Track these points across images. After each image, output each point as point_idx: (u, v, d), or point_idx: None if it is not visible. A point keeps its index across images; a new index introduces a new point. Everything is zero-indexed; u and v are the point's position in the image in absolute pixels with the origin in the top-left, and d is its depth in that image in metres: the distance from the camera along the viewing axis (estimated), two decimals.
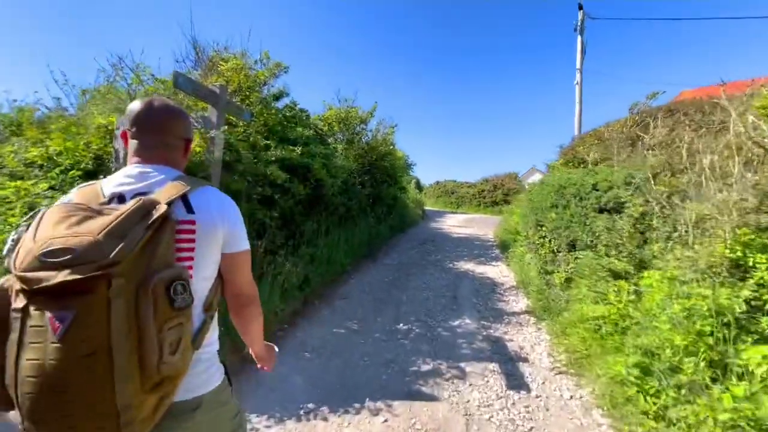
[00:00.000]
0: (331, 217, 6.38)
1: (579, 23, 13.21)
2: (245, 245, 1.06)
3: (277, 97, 6.54)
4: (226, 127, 3.97)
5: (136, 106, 1.03)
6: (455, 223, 17.11)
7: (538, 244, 5.36)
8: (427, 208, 23.07)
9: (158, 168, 0.98)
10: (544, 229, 5.27)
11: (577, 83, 13.16)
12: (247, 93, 5.23)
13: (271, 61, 6.20)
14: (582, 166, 7.93)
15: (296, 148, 5.21)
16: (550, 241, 5.00)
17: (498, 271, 7.15)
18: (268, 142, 5.02)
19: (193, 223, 0.91)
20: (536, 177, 31.88)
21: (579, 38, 13.17)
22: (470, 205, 27.46)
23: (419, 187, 27.22)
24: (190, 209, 0.92)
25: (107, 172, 3.40)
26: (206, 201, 0.96)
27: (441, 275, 6.73)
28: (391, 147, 10.27)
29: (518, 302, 5.29)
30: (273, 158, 4.88)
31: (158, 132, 1.02)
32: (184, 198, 0.92)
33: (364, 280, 6.15)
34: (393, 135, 10.44)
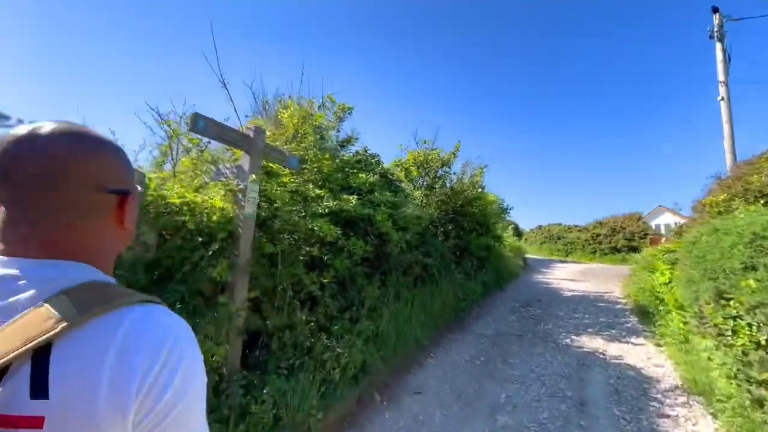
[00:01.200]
0: (403, 278, 5.18)
1: (716, 28, 10.67)
2: None
3: (345, 144, 5.87)
4: (252, 176, 3.19)
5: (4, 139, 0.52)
6: (566, 276, 14.34)
7: (724, 327, 3.34)
8: (528, 256, 20.32)
9: (33, 267, 0.50)
10: (733, 305, 3.27)
11: (722, 99, 10.35)
12: (302, 139, 4.59)
13: (335, 105, 5.61)
14: (763, 201, 5.51)
15: (351, 197, 4.28)
16: (750, 326, 3.00)
17: (644, 356, 4.97)
18: (321, 191, 4.18)
19: (37, 424, 0.41)
20: (665, 218, 26.37)
21: (718, 46, 10.57)
22: (583, 252, 23.57)
23: (518, 233, 24.52)
24: (39, 387, 0.42)
25: None
26: (112, 358, 0.45)
27: (555, 358, 4.88)
28: (480, 190, 8.89)
29: (696, 422, 3.24)
30: (324, 210, 4.00)
31: (43, 186, 0.51)
32: (39, 357, 0.43)
33: (447, 362, 4.68)
34: (482, 177, 9.10)
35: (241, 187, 3.29)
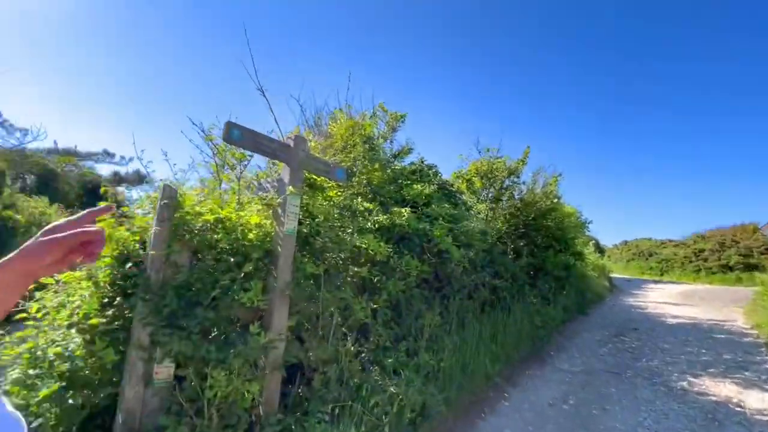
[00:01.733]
0: (467, 303, 4.51)
1: None
2: None
3: (400, 155, 5.46)
4: (290, 188, 2.87)
5: None
6: (665, 299, 12.25)
7: None
8: (614, 275, 17.97)
9: None
10: None
11: None
12: (350, 150, 4.25)
13: (387, 114, 5.25)
14: None
15: (404, 210, 3.79)
16: None
17: None
18: (370, 205, 3.77)
19: None
20: None
21: None
22: (682, 270, 20.30)
23: (600, 249, 21.98)
24: None
25: None
26: None
27: (670, 407, 3.82)
28: (555, 201, 7.87)
29: None
30: (373, 225, 3.56)
31: None
32: None
33: (525, 405, 3.87)
34: (556, 186, 8.08)
35: (280, 200, 2.98)
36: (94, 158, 22.15)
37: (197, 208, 2.70)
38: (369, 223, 3.74)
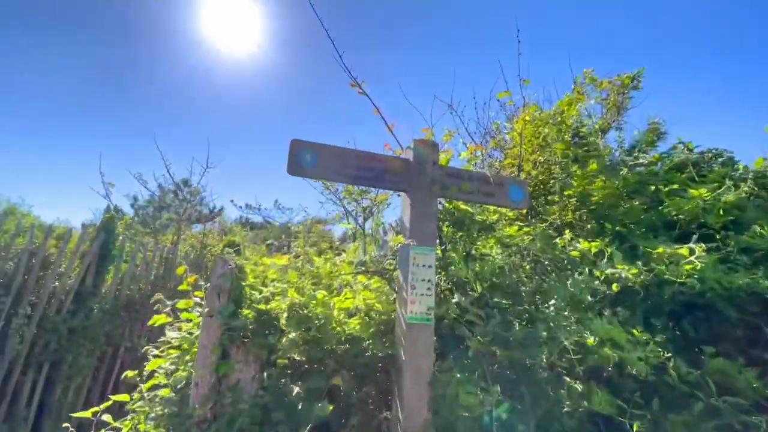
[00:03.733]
0: None
1: None
2: None
3: (637, 147, 3.21)
4: (400, 238, 1.48)
5: None
6: None
7: None
8: None
9: None
10: None
11: None
12: (541, 153, 2.51)
13: (598, 87, 3.25)
14: None
15: (682, 248, 1.68)
16: None
17: None
18: (592, 244, 1.89)
19: None
20: None
21: None
22: None
23: None
24: None
25: None
26: None
27: None
28: None
29: None
30: (601, 288, 1.66)
31: None
32: None
33: None
34: None
35: (388, 261, 1.63)
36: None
37: (259, 289, 1.66)
38: (597, 282, 1.82)
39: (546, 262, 2.22)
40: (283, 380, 1.66)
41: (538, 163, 2.54)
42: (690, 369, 1.78)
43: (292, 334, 1.54)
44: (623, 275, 1.73)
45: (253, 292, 1.65)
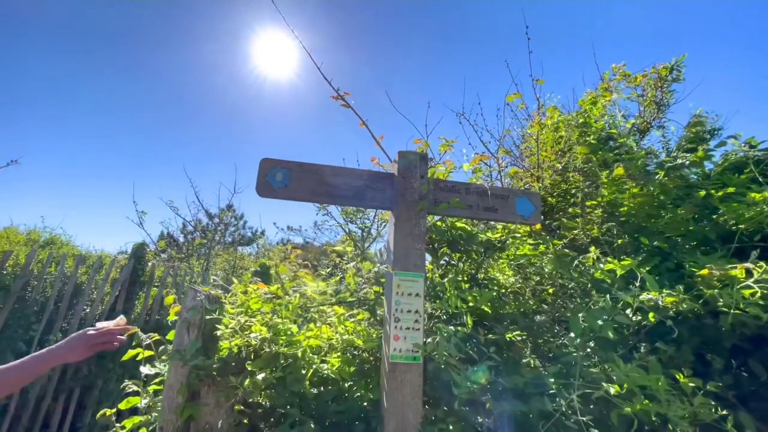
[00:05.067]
0: None
1: None
2: None
3: (683, 147, 2.79)
4: (383, 267, 1.27)
5: None
6: None
7: None
8: None
9: None
10: None
11: None
12: (567, 159, 2.22)
13: (629, 82, 2.92)
14: None
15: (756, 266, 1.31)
16: None
17: None
18: (616, 264, 1.56)
19: None
20: None
21: None
22: None
23: None
24: None
25: None
26: None
27: None
28: None
29: None
30: (634, 320, 1.34)
31: None
32: None
33: None
34: None
35: (372, 289, 1.43)
36: None
37: (226, 323, 1.51)
38: (629, 312, 1.48)
39: (570, 286, 1.89)
40: (259, 425, 1.47)
41: (557, 172, 2.22)
42: (762, 426, 1.37)
43: (259, 375, 1.37)
44: (660, 303, 1.38)
45: (222, 326, 1.51)
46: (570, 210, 2.04)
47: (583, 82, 4.21)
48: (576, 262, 1.80)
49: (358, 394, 1.46)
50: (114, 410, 1.76)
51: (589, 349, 1.44)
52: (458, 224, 1.76)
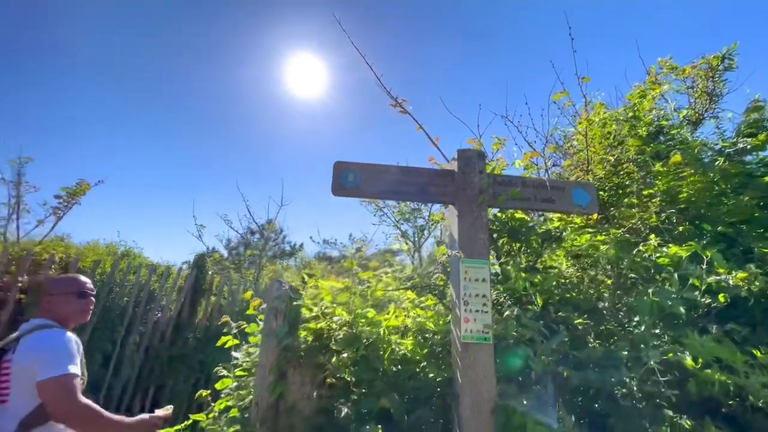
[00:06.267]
0: None
1: None
2: (51, 372, 1.29)
3: (740, 135, 2.74)
4: (451, 251, 1.43)
5: None
6: None
7: None
8: None
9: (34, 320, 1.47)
10: None
11: None
12: (621, 152, 2.28)
13: (676, 75, 2.92)
14: None
15: None
16: None
17: None
18: (680, 249, 1.60)
19: (9, 360, 1.35)
20: None
21: None
22: None
23: None
24: (14, 351, 1.36)
25: None
26: (24, 342, 1.37)
27: None
28: None
29: None
30: (703, 302, 1.37)
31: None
32: (17, 341, 1.39)
33: None
34: None
35: (435, 276, 1.56)
36: None
37: (310, 309, 1.68)
38: (697, 293, 1.51)
39: (629, 274, 1.91)
40: (340, 400, 1.62)
41: (608, 165, 2.26)
42: None
43: (343, 354, 1.52)
44: (730, 282, 1.40)
45: (305, 312, 1.68)
46: (625, 201, 2.07)
47: (626, 79, 4.19)
48: (636, 249, 1.84)
49: (432, 374, 1.57)
50: (209, 392, 1.98)
51: (657, 330, 1.48)
52: (517, 215, 1.86)
